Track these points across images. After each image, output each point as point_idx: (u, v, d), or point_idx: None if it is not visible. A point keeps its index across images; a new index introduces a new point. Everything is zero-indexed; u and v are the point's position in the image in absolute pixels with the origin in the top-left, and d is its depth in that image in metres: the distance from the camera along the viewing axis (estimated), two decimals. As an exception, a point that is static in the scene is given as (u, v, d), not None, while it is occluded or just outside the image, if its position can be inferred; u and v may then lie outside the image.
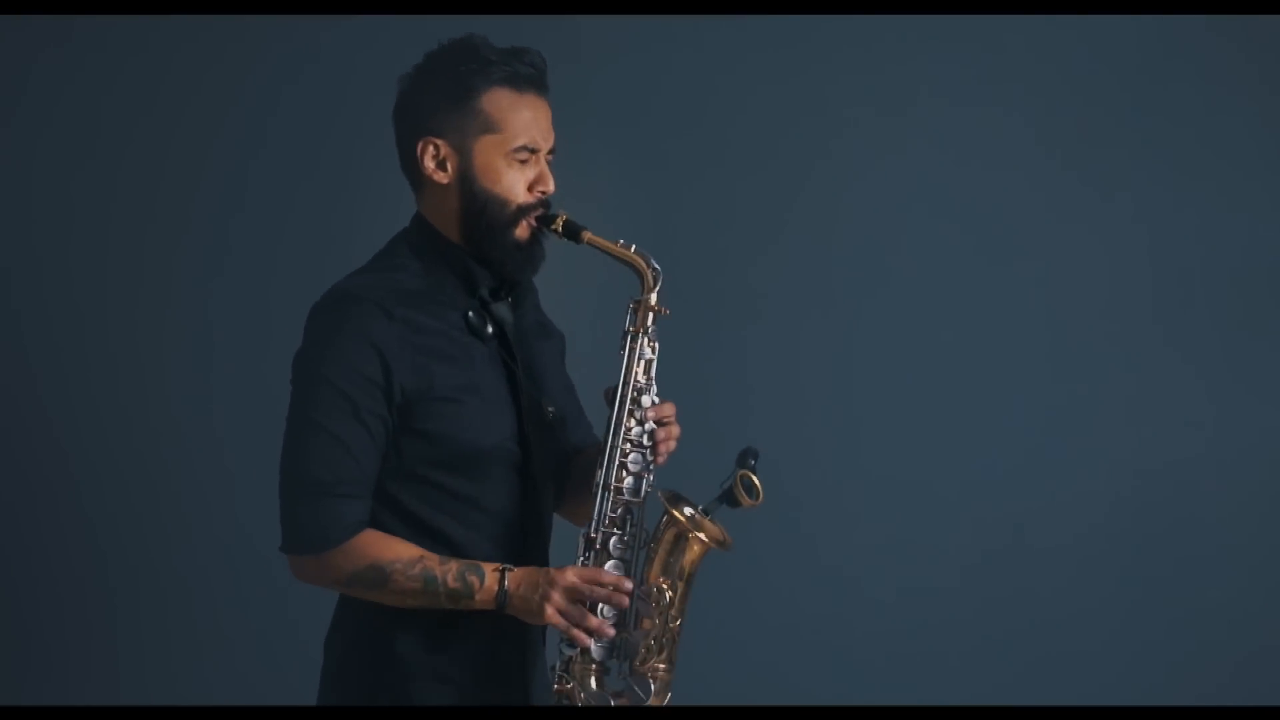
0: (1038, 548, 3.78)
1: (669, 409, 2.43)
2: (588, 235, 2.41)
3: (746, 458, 2.39)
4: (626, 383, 2.40)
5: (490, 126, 2.38)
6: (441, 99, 2.39)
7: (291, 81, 3.68)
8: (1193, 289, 3.76)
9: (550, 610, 2.31)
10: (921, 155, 3.76)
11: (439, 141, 2.39)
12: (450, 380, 2.36)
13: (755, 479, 2.37)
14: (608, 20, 3.66)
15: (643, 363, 2.42)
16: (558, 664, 2.36)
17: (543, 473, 2.44)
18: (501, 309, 2.45)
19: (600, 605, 2.33)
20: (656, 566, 2.37)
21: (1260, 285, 3.76)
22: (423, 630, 2.37)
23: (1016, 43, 3.74)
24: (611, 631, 2.34)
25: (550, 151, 2.45)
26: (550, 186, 2.43)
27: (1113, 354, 3.77)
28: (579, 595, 2.32)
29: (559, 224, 2.41)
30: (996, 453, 3.77)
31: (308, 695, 3.16)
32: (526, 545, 2.41)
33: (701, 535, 2.36)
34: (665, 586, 2.36)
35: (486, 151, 2.39)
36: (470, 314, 2.41)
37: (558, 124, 2.44)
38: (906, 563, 3.78)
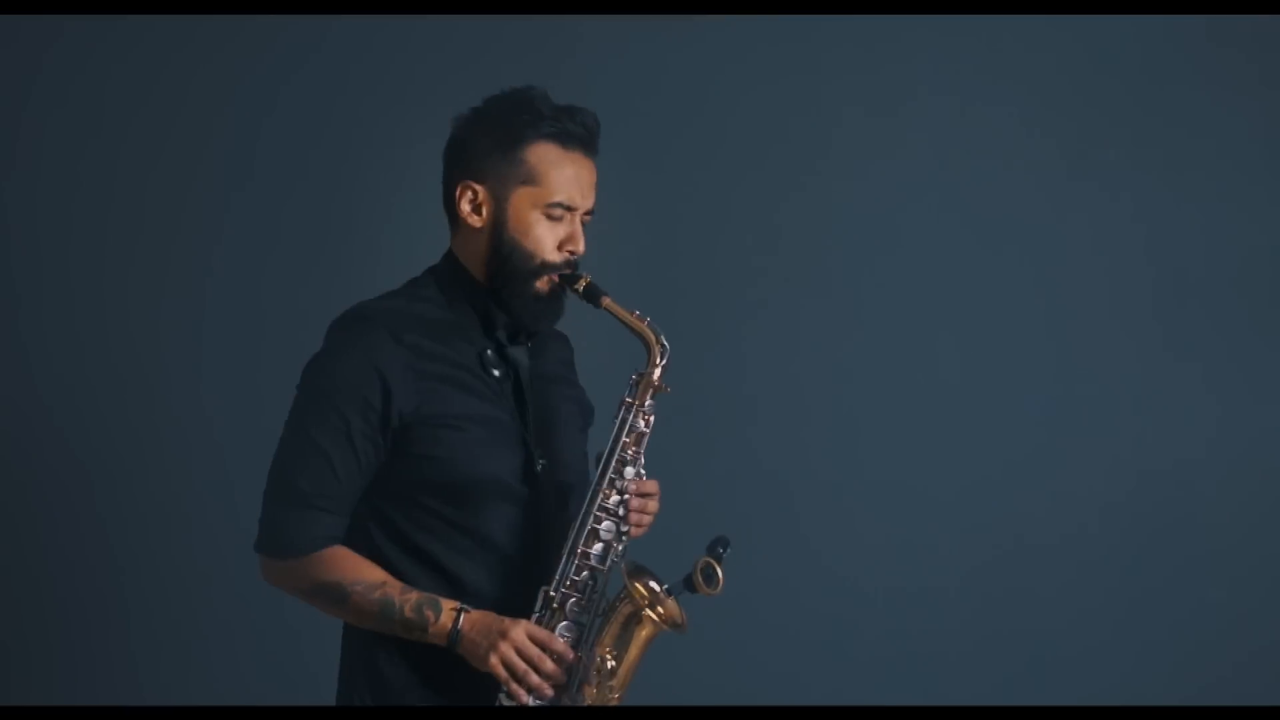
0: (1037, 548, 3.76)
1: (651, 486, 2.45)
2: (606, 301, 2.44)
3: (716, 546, 2.39)
4: (612, 451, 2.42)
5: (530, 179, 2.43)
6: (488, 144, 2.43)
7: (285, 81, 3.72)
8: (1193, 288, 3.74)
9: (494, 659, 2.33)
10: (921, 156, 3.76)
11: (478, 187, 2.44)
12: (452, 407, 2.39)
13: (718, 568, 2.38)
14: (606, 20, 3.67)
15: (634, 434, 2.43)
16: (494, 714, 2.38)
17: (551, 513, 2.44)
18: (518, 353, 2.49)
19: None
20: (608, 637, 2.38)
21: (1260, 284, 3.73)
22: (404, 641, 2.39)
23: (1016, 43, 3.73)
24: (550, 693, 2.35)
25: (588, 213, 2.48)
26: (580, 248, 2.46)
27: (1113, 354, 3.76)
28: (525, 652, 2.34)
29: (581, 285, 2.44)
30: (996, 453, 3.75)
31: (308, 695, 3.19)
32: (525, 581, 2.40)
33: (654, 615, 2.36)
34: (610, 658, 2.37)
35: (522, 203, 2.43)
36: (488, 351, 2.45)
37: None
38: (906, 563, 3.76)
